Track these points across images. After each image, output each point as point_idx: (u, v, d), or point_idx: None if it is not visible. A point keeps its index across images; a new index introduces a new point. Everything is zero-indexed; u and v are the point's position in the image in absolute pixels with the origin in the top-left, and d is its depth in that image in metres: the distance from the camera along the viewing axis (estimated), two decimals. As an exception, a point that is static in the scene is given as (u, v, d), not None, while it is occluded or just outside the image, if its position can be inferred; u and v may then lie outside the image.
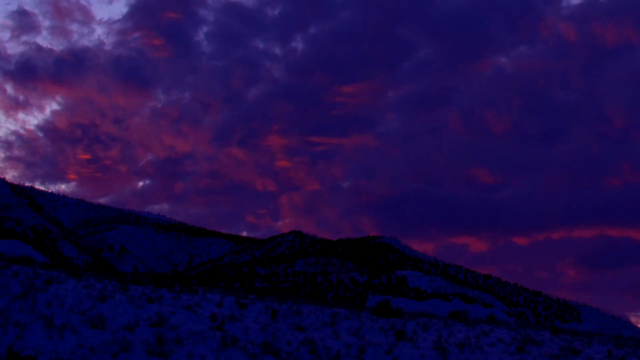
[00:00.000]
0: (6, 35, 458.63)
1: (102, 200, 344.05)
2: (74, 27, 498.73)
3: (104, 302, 19.04)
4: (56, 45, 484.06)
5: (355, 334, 20.60)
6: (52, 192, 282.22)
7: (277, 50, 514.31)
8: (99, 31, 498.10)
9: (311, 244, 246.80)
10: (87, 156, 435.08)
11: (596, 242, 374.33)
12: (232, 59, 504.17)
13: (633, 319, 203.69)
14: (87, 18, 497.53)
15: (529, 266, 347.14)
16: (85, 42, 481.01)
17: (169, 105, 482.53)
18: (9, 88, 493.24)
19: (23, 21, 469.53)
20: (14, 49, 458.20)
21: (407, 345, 19.74)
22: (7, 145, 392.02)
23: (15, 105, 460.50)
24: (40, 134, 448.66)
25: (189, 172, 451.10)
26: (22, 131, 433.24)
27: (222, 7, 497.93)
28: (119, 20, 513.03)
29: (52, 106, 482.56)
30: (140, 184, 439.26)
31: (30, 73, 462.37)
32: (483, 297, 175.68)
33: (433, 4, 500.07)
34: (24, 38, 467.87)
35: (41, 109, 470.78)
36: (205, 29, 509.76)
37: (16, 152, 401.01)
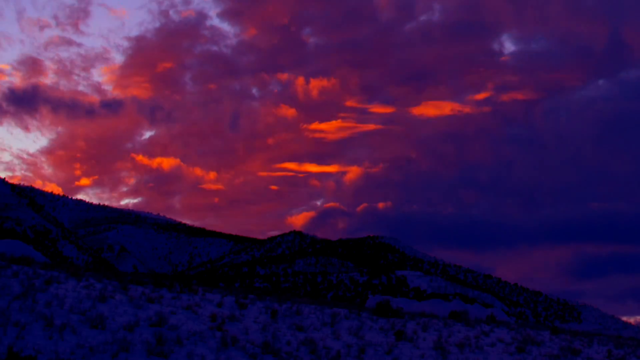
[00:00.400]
0: (19, 75, 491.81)
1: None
2: (79, 71, 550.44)
3: (104, 302, 19.02)
4: (67, 86, 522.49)
5: (355, 334, 20.61)
6: (52, 192, 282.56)
7: (255, 91, 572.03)
8: (105, 77, 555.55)
9: (311, 244, 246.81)
10: (90, 180, 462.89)
11: (579, 254, 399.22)
12: (214, 99, 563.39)
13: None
14: (90, 66, 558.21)
15: (521, 273, 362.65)
16: (92, 83, 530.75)
17: (163, 134, 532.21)
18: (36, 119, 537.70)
19: (30, 67, 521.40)
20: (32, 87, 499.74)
21: (407, 345, 19.76)
22: (11, 167, 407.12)
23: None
24: (44, 159, 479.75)
25: (185, 192, 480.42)
26: (25, 156, 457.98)
27: (206, 57, 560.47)
28: (121, 67, 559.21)
29: (55, 135, 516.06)
30: (135, 201, 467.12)
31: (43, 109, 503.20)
32: (483, 297, 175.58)
33: (393, 54, 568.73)
34: (34, 79, 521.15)
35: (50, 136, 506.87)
36: (190, 74, 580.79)
37: (18, 174, 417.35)
